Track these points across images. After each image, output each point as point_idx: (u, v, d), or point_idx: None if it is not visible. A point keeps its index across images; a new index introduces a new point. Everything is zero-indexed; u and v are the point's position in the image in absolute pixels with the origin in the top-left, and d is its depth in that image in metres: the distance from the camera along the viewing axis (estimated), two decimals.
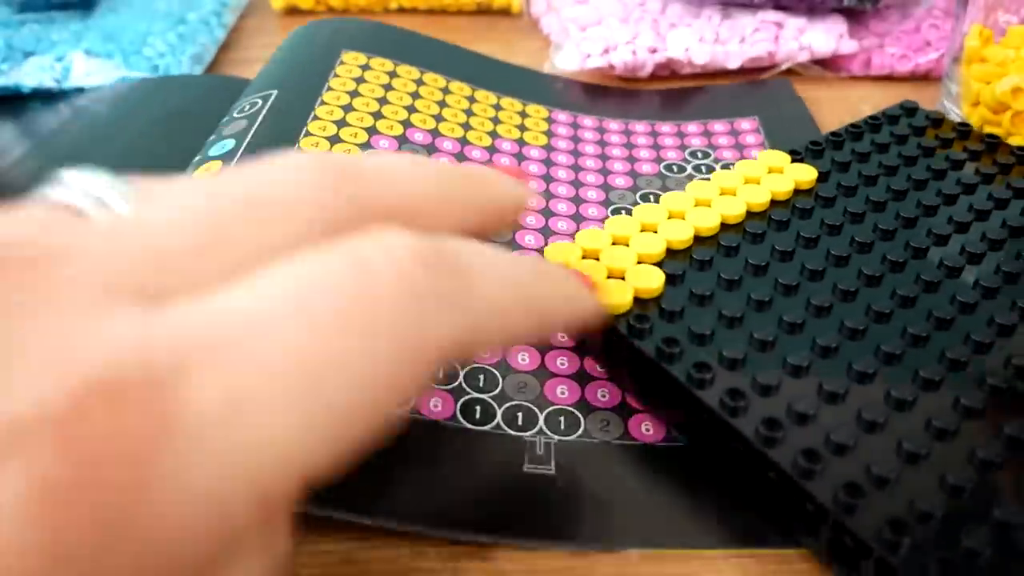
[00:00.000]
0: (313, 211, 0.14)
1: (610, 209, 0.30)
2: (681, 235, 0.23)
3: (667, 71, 0.40)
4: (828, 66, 0.41)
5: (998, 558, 0.16)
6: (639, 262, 0.23)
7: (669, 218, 0.24)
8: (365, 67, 0.33)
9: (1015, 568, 0.16)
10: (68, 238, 0.12)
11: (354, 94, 0.31)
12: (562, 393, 0.23)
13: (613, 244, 0.23)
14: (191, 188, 0.14)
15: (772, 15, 0.41)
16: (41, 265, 0.12)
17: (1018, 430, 0.18)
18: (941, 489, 0.17)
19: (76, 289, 0.11)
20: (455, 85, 0.34)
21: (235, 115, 0.30)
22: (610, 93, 0.38)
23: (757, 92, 0.38)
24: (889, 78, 0.41)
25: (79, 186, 0.13)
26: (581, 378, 0.23)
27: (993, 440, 0.18)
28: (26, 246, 0.12)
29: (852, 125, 0.29)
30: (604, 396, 0.22)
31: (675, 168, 0.33)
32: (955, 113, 0.34)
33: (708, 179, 0.26)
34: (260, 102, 0.30)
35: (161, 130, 0.35)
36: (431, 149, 0.30)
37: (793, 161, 0.27)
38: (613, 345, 0.22)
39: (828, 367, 0.20)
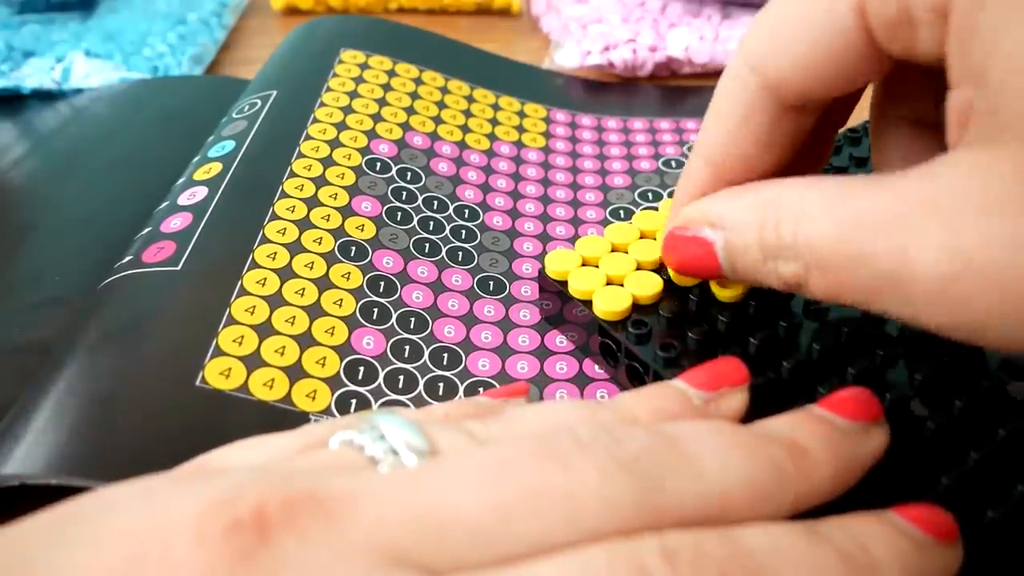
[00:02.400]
0: (602, 514, 0.13)
1: (608, 210, 0.30)
2: None
3: (667, 70, 0.40)
4: None
5: None
6: (638, 268, 0.23)
7: None
8: (364, 66, 0.33)
9: None
10: (355, 487, 0.13)
11: (353, 95, 0.31)
12: (561, 397, 0.23)
13: (612, 251, 0.24)
14: (482, 456, 0.14)
15: None
16: (326, 511, 0.12)
17: None
18: None
19: (357, 551, 0.12)
20: (454, 84, 0.34)
21: (234, 116, 0.30)
22: (609, 90, 0.38)
23: None
24: None
25: (379, 432, 0.14)
26: (580, 381, 0.23)
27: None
28: (316, 489, 0.12)
29: (850, 130, 0.29)
30: (603, 398, 0.23)
31: (673, 164, 0.33)
32: None
33: None
34: (259, 103, 0.30)
35: (161, 130, 0.35)
36: (430, 154, 0.30)
37: None
38: (612, 349, 0.22)
39: (825, 372, 0.20)
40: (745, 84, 0.18)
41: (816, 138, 0.20)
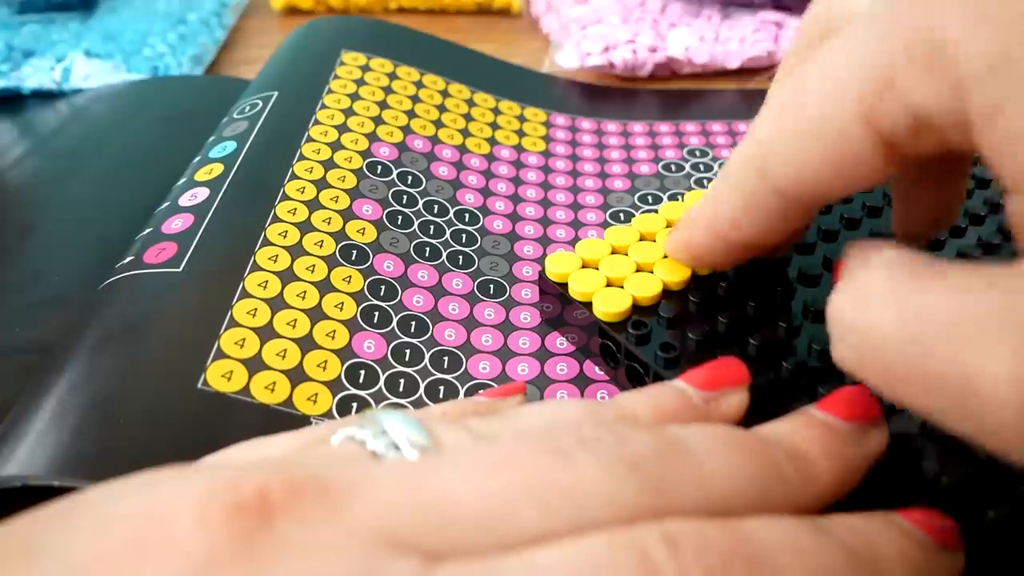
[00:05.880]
0: (605, 509, 0.13)
1: (608, 213, 0.30)
2: None
3: (667, 71, 0.41)
4: None
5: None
6: (638, 270, 0.23)
7: (667, 227, 0.25)
8: (365, 68, 0.33)
9: None
10: (357, 475, 0.13)
11: (354, 97, 0.31)
12: (562, 398, 0.23)
13: (612, 253, 0.24)
14: (485, 450, 0.14)
15: (772, 15, 0.41)
16: (328, 496, 0.12)
17: None
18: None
19: (357, 535, 0.12)
20: (454, 87, 0.34)
21: (235, 116, 0.30)
22: (609, 94, 0.38)
23: (755, 98, 0.38)
24: None
25: (381, 428, 0.14)
26: (581, 383, 0.23)
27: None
28: (319, 476, 0.13)
29: None
30: (604, 399, 0.23)
31: (673, 167, 0.33)
32: None
33: (706, 179, 0.26)
34: (260, 103, 0.30)
35: (161, 130, 0.35)
36: (430, 157, 0.30)
37: None
38: (613, 350, 0.22)
39: (825, 372, 0.20)
40: (752, 183, 0.17)
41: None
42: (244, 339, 0.22)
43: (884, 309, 0.13)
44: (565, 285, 0.23)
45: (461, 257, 0.27)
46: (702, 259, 0.20)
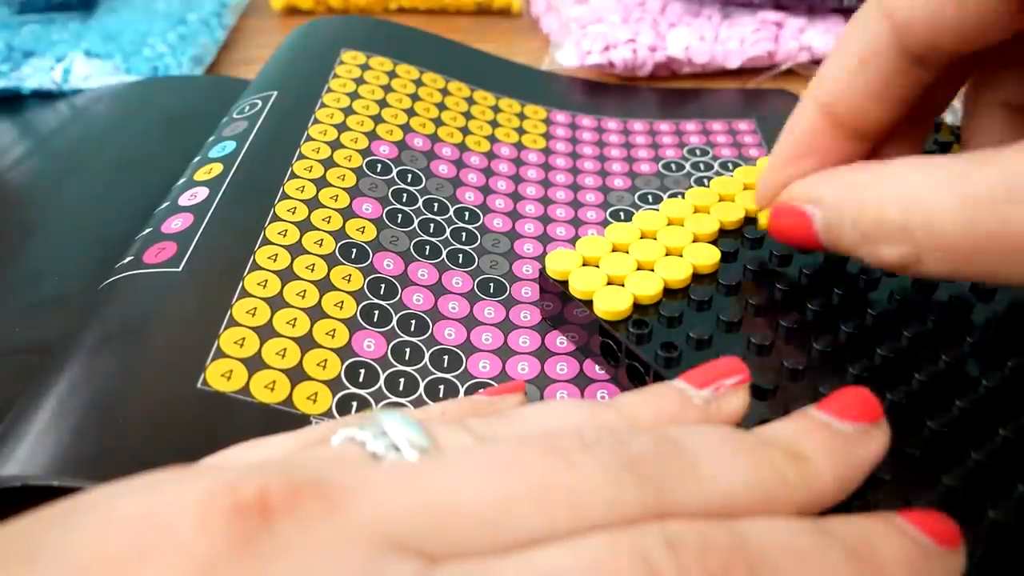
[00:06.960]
0: (606, 511, 0.13)
1: (608, 212, 0.30)
2: (680, 241, 0.24)
3: (667, 71, 0.40)
4: None
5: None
6: (639, 268, 0.23)
7: (668, 224, 0.25)
8: (364, 67, 0.33)
9: None
10: (357, 477, 0.13)
11: (354, 95, 0.31)
12: (562, 397, 0.23)
13: (613, 251, 0.24)
14: (485, 452, 0.14)
15: (772, 15, 0.41)
16: (328, 497, 0.12)
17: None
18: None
19: (357, 536, 0.12)
20: (454, 85, 0.34)
21: (235, 116, 0.30)
22: (609, 91, 0.38)
23: (755, 97, 0.38)
24: None
25: (381, 429, 0.14)
26: (581, 382, 0.23)
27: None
28: (319, 478, 0.13)
29: None
30: (604, 398, 0.23)
31: (673, 167, 0.33)
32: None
33: (706, 178, 0.26)
34: (260, 103, 0.30)
35: (161, 130, 0.35)
36: (430, 156, 0.30)
37: None
38: (613, 349, 0.22)
39: (825, 372, 0.20)
40: (872, 24, 0.18)
41: (928, 100, 0.19)
42: (244, 338, 0.21)
43: (941, 200, 0.15)
44: (565, 283, 0.23)
45: (461, 255, 0.27)
46: (805, 147, 0.20)
